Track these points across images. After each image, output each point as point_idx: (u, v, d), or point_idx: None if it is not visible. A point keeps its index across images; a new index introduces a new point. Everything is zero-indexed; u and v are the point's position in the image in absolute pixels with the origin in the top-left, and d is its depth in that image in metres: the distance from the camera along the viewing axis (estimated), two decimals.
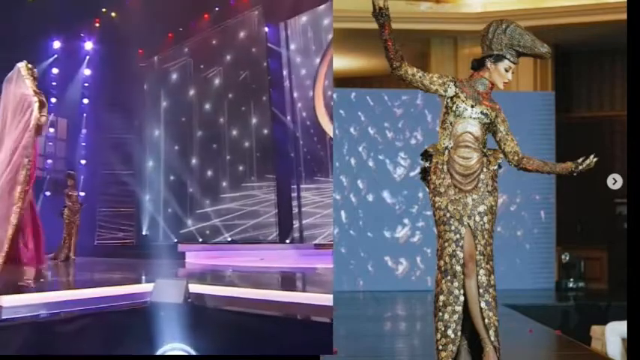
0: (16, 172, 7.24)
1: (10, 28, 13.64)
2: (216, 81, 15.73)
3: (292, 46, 14.32)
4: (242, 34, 15.11)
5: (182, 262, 12.52)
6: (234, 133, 15.27)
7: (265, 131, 14.54)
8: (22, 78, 7.95)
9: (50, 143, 16.25)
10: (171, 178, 16.43)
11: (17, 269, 7.37)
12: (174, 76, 16.73)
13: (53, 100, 15.53)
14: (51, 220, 14.30)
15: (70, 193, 12.77)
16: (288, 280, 8.57)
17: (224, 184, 15.34)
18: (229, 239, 14.86)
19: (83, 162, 16.60)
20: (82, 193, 15.15)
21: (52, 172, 15.96)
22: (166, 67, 16.84)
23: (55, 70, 16.08)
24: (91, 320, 5.61)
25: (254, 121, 14.79)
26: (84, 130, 16.76)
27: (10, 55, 13.87)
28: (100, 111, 16.42)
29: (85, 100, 16.72)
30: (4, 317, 5.20)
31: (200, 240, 15.55)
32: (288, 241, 13.80)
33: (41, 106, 7.76)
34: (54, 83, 16.01)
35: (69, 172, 13.36)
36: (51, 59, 16.00)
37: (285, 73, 14.40)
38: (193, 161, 16.16)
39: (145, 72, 17.23)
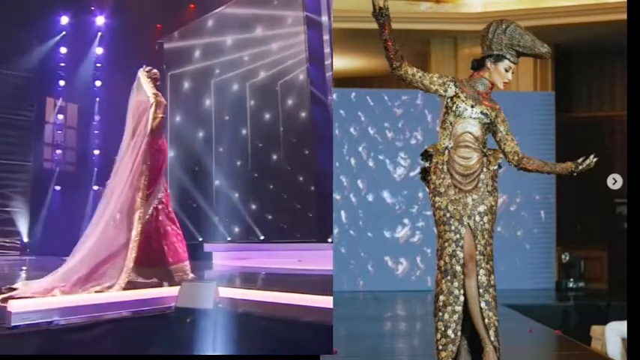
0: (137, 179, 7.11)
1: (13, 3, 12.85)
2: (245, 57, 13.87)
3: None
4: (275, 1, 13.26)
5: (209, 264, 11.79)
6: (267, 116, 13.51)
7: (302, 114, 12.66)
8: (141, 84, 7.76)
9: (59, 132, 14.76)
10: (195, 168, 14.47)
11: (160, 270, 7.04)
12: (196, 53, 14.70)
13: (61, 83, 14.44)
14: (62, 218, 13.47)
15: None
16: (327, 284, 7.56)
17: (255, 175, 13.60)
18: (262, 237, 13.29)
19: (96, 152, 14.75)
20: (96, 188, 13.96)
21: (61, 164, 14.70)
22: (188, 43, 14.90)
23: (63, 50, 14.50)
24: (108, 328, 5.29)
25: (289, 102, 13.08)
26: (97, 117, 14.91)
27: (14, 32, 13.23)
28: (114, 94, 13.81)
29: (98, 83, 14.86)
30: (13, 324, 4.95)
31: (228, 239, 13.89)
32: (330, 240, 11.97)
33: (157, 106, 7.53)
34: (62, 64, 14.57)
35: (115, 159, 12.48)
36: (58, 37, 14.44)
37: (325, 46, 12.36)
38: (220, 149, 14.19)
39: (164, 49, 15.26)
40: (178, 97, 14.67)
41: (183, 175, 14.39)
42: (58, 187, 14.28)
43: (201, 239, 13.72)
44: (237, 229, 13.69)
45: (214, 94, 14.29)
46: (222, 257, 12.81)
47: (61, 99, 14.53)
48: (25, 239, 13.60)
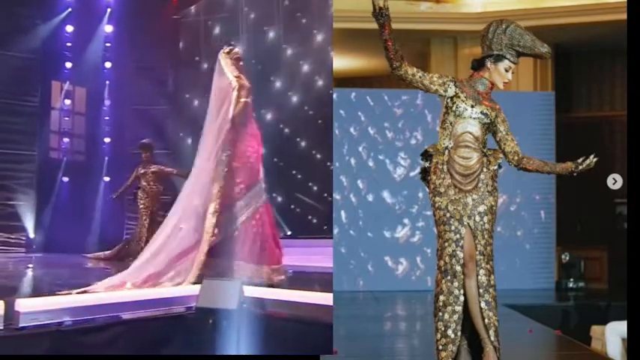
0: (215, 169, 6.54)
1: None
2: (271, 34, 12.95)
3: None
4: None
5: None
6: (294, 99, 12.77)
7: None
8: (222, 66, 7.01)
9: (66, 118, 13.41)
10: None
11: (258, 270, 6.45)
12: (217, 30, 13.43)
13: (68, 64, 13.15)
14: (70, 212, 12.34)
15: (143, 170, 10.29)
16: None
17: (281, 163, 12.62)
18: (288, 233, 12.30)
19: (107, 140, 13.51)
20: (107, 179, 13.02)
21: (69, 153, 13.41)
22: (207, 19, 13.58)
23: (69, 28, 13.09)
24: (122, 330, 5.00)
25: (319, 83, 12.46)
26: (107, 102, 13.58)
27: (14, 9, 11.94)
28: (126, 77, 13.27)
29: (108, 64, 13.49)
30: (21, 325, 4.72)
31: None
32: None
33: (240, 90, 6.78)
34: (68, 44, 13.18)
35: (143, 142, 10.60)
36: (64, 14, 13.08)
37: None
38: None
39: (180, 26, 13.93)
40: (197, 78, 13.02)
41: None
42: (65, 179, 13.08)
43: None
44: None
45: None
46: None
47: (67, 82, 13.24)
48: (31, 235, 12.51)
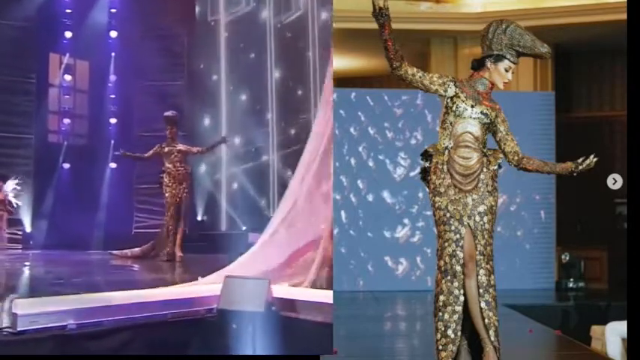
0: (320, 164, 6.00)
1: None
2: None
3: None
4: None
5: None
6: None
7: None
8: None
9: (67, 96, 11.80)
10: (237, 140, 11.41)
11: None
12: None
13: (68, 34, 11.57)
14: (72, 202, 11.00)
15: (167, 148, 8.92)
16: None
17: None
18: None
19: (113, 121, 11.93)
20: (113, 165, 11.63)
21: (70, 136, 11.87)
22: None
23: None
24: (131, 335, 4.53)
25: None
26: (112, 77, 11.96)
27: None
28: (134, 48, 11.59)
29: (113, 34, 11.81)
30: (20, 329, 4.30)
31: None
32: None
33: None
34: (68, 10, 11.58)
35: (168, 115, 9.29)
36: None
37: None
38: (268, 116, 11.26)
39: None
40: (216, 48, 11.73)
41: (226, 149, 11.42)
42: (66, 165, 11.63)
43: (244, 228, 11.32)
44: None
45: (264, 45, 11.41)
46: None
47: (67, 55, 11.69)
48: (28, 229, 11.12)
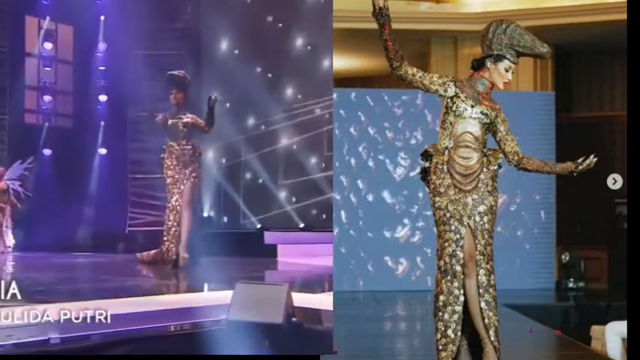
0: None
1: None
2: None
3: None
4: None
5: (272, 261, 8.89)
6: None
7: None
8: None
9: (47, 69, 9.95)
10: (250, 122, 10.06)
11: None
12: None
13: None
14: (55, 196, 9.43)
15: (172, 119, 7.14)
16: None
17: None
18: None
19: (103, 99, 10.17)
20: (103, 151, 10.06)
21: (52, 116, 10.11)
22: None
23: None
24: (124, 351, 3.84)
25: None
26: (102, 45, 10.15)
27: None
28: (126, 9, 9.60)
29: None
30: None
31: (302, 225, 10.20)
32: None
33: None
34: None
35: (174, 74, 7.45)
36: None
37: None
38: (288, 92, 10.20)
39: None
40: (223, 9, 10.25)
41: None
42: (48, 152, 9.88)
43: (259, 226, 10.22)
44: (314, 211, 10.05)
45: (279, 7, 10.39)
46: (291, 252, 9.29)
47: (47, 18, 9.78)
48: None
